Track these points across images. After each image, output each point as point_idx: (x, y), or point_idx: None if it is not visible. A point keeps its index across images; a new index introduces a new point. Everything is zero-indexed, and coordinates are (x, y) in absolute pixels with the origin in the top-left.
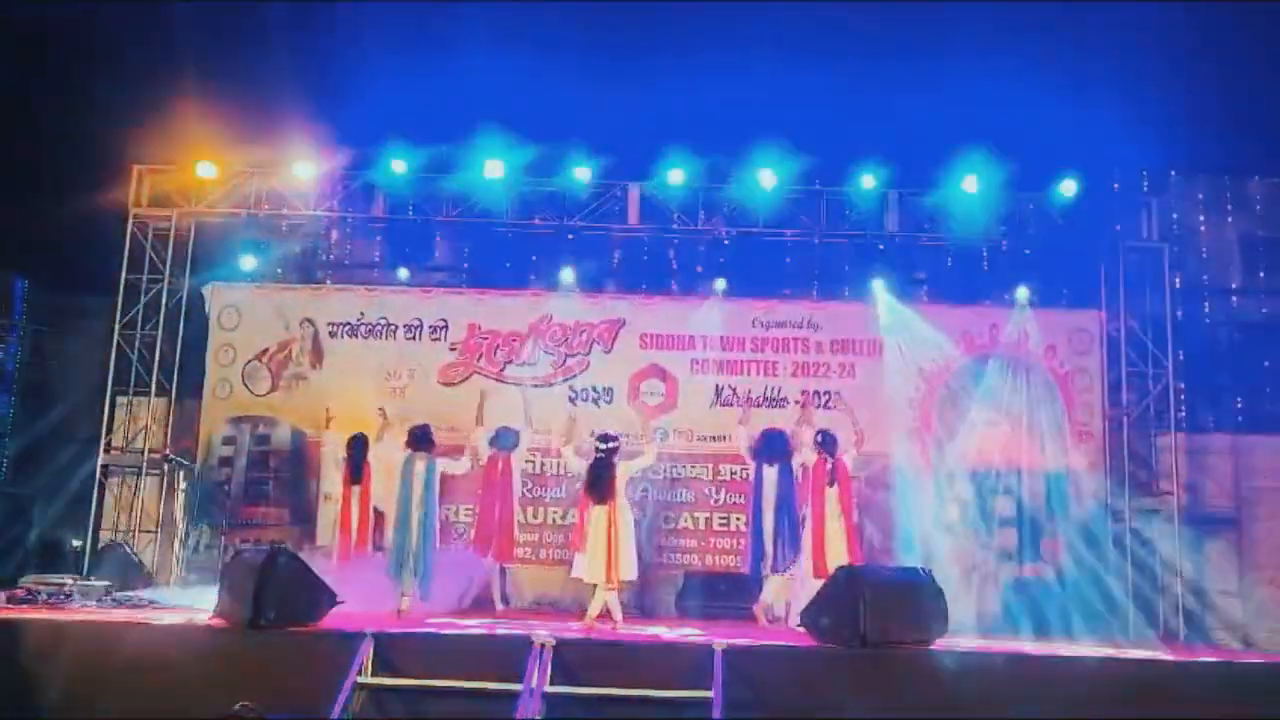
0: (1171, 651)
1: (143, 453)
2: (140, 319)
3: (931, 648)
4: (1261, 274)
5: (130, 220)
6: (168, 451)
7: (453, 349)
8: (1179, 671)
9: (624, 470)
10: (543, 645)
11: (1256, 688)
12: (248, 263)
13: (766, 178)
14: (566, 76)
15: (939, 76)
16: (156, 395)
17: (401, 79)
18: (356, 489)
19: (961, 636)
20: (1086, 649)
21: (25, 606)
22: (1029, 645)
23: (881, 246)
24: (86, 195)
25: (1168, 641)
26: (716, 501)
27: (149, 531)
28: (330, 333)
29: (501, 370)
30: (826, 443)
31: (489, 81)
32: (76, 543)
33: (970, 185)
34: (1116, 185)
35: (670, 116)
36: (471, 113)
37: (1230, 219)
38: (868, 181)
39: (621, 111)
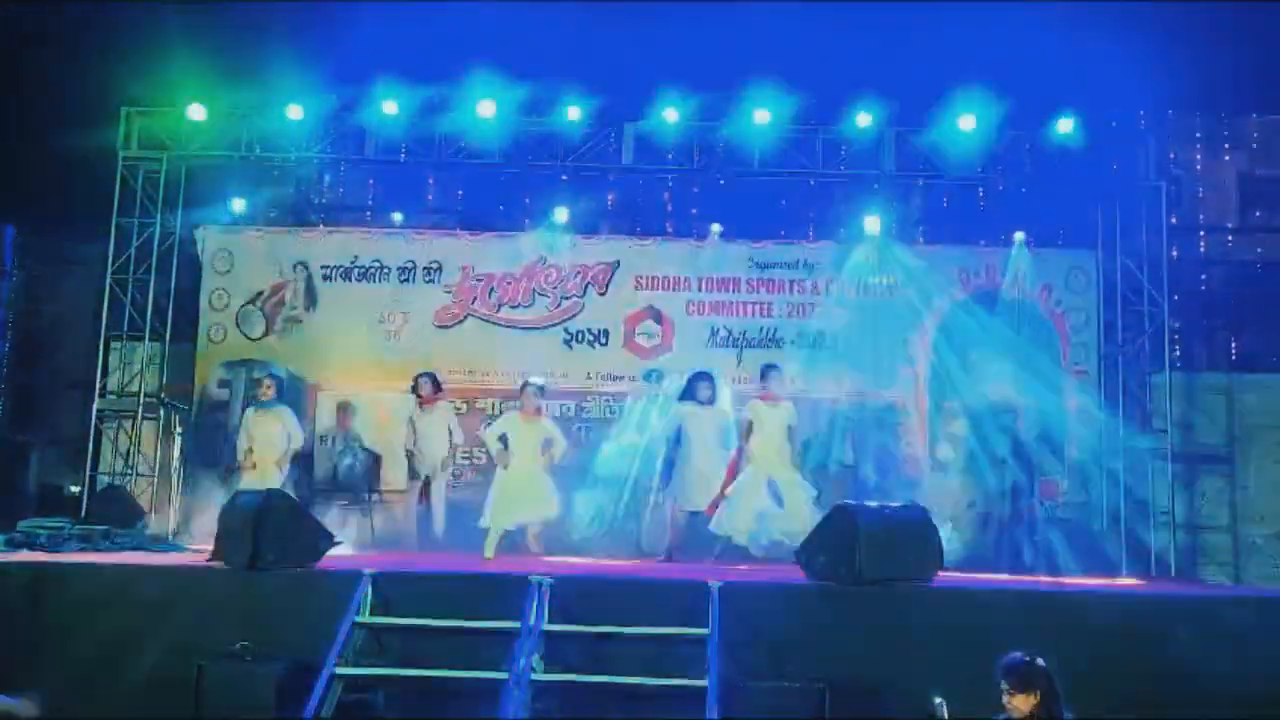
0: (1163, 586)
1: (138, 397)
2: (133, 263)
3: (927, 584)
4: (1258, 213)
5: (120, 163)
6: (163, 396)
7: (447, 291)
8: (1170, 605)
9: None
10: (540, 584)
11: (1245, 621)
12: (239, 206)
13: (761, 116)
14: (559, 12)
15: (935, 12)
16: (151, 339)
17: (391, 17)
18: None
19: (957, 573)
20: (1080, 584)
21: (23, 550)
22: (1023, 581)
23: (877, 186)
24: (75, 139)
25: (1159, 577)
26: None
27: (146, 475)
28: (324, 276)
29: (496, 312)
30: None
31: (480, 19)
32: (75, 488)
33: (967, 124)
34: (1114, 123)
35: (665, 54)
36: (463, 51)
37: (1228, 157)
38: (863, 120)
39: (615, 48)
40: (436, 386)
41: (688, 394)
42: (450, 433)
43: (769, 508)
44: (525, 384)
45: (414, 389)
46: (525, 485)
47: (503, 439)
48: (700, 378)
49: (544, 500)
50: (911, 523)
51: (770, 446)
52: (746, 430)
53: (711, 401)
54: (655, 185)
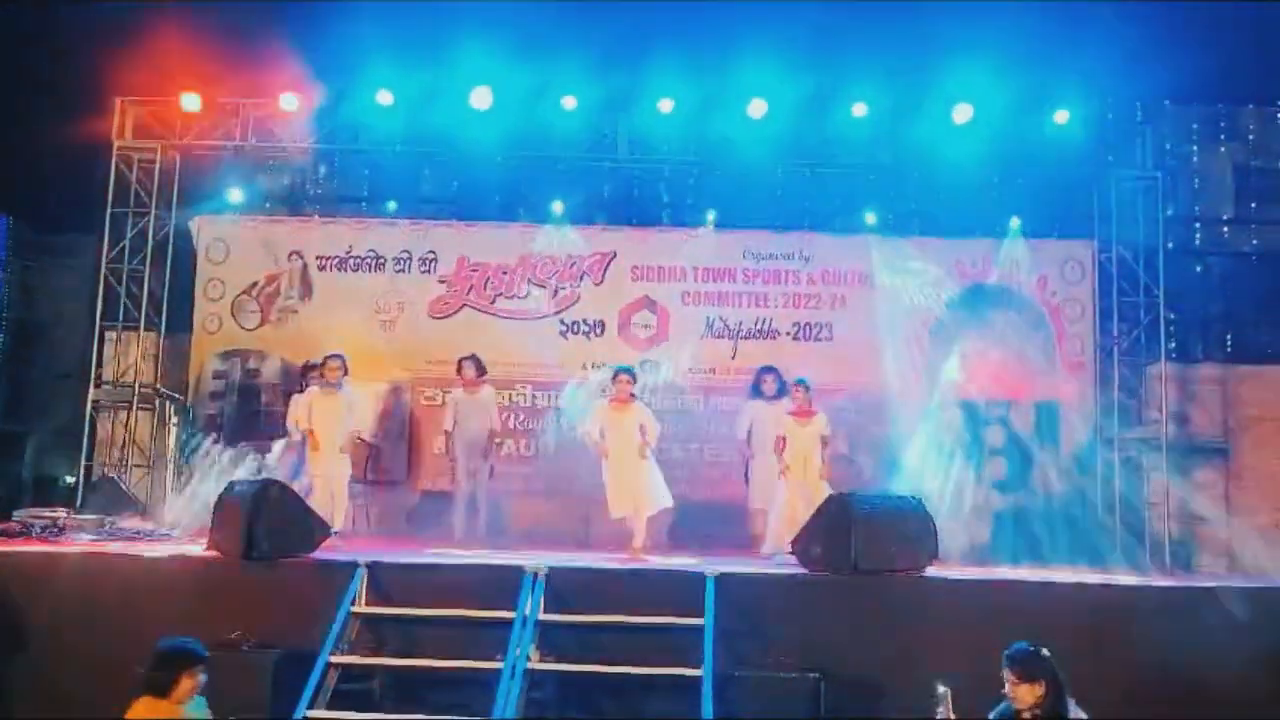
0: (1157, 578)
1: (133, 387)
2: (127, 253)
3: (922, 574)
4: (1254, 204)
5: (114, 153)
6: (158, 386)
7: (442, 282)
8: (1164, 597)
9: None
10: (536, 573)
11: (1239, 613)
12: (234, 196)
13: (757, 107)
14: (556, 3)
15: (933, 2)
16: (146, 330)
17: (387, 7)
18: None
19: (951, 564)
20: (1074, 575)
21: (19, 540)
22: (1017, 572)
23: (873, 177)
24: (69, 129)
25: (1154, 568)
26: (708, 433)
27: (141, 465)
28: (319, 266)
29: (492, 303)
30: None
31: (477, 8)
32: (70, 478)
33: (963, 115)
34: (1110, 115)
35: (661, 45)
36: (459, 41)
37: (1223, 148)
38: (859, 111)
39: (611, 39)
40: (480, 370)
41: (754, 390)
42: (491, 418)
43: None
44: (617, 372)
45: (458, 371)
46: (629, 475)
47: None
48: (765, 372)
49: (644, 491)
50: (907, 513)
51: (800, 460)
52: (779, 446)
53: (777, 397)
54: (651, 176)
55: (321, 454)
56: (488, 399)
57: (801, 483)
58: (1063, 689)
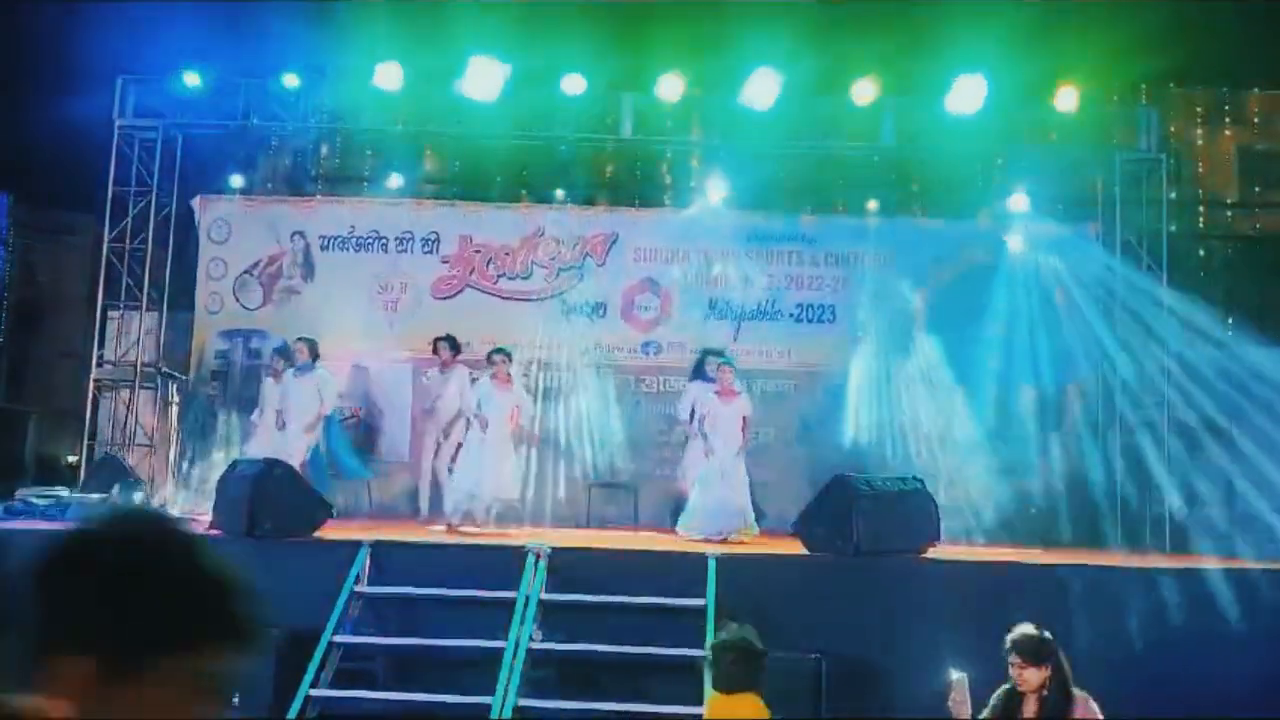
0: (1158, 559)
1: (135, 367)
2: (129, 232)
3: (923, 556)
4: (1257, 188)
5: (116, 132)
6: (160, 365)
7: (445, 262)
8: (1163, 578)
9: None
10: (538, 554)
11: (1240, 594)
12: (237, 176)
13: (761, 88)
14: None
15: None
16: (148, 309)
17: None
18: None
19: (954, 545)
20: (1077, 557)
21: (22, 519)
22: (1019, 553)
23: (877, 159)
24: (70, 107)
25: (1155, 549)
26: None
27: (143, 445)
28: (321, 246)
29: (495, 284)
30: None
31: None
32: (72, 458)
33: (967, 98)
34: (1114, 97)
35: (665, 25)
36: (462, 21)
37: (1228, 131)
38: (864, 92)
39: (615, 19)
40: (455, 350)
41: (697, 373)
42: (462, 398)
43: (725, 499)
44: (491, 352)
45: (434, 351)
46: (489, 454)
47: (479, 404)
48: (711, 354)
49: (496, 473)
50: (909, 495)
51: (721, 439)
52: (703, 425)
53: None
54: (654, 157)
55: (286, 437)
56: (458, 379)
57: (722, 461)
58: (1067, 671)
